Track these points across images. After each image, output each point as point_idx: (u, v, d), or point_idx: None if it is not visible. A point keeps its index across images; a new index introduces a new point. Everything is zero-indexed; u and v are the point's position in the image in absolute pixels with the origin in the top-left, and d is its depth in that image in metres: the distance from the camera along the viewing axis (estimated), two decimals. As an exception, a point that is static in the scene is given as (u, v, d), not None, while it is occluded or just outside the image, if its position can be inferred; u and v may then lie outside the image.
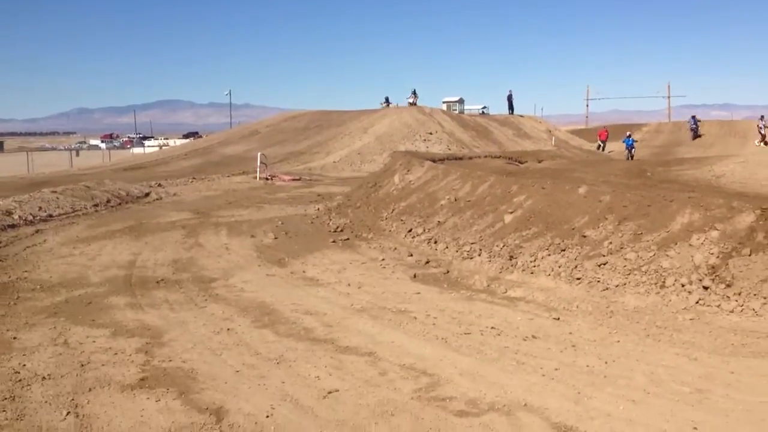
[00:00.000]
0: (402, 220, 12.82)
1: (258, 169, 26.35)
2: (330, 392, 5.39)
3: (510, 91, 52.21)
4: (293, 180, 26.15)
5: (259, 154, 27.21)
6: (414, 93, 48.17)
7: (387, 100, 49.05)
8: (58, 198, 16.41)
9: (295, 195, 21.41)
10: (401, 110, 41.41)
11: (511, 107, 51.80)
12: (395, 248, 11.46)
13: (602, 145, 46.81)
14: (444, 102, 51.83)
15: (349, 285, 9.16)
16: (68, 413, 5.04)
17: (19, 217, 13.79)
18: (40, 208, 15.02)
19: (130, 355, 6.41)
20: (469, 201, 11.71)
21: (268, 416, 4.96)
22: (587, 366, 5.87)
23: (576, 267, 8.56)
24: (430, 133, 37.27)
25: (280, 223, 14.51)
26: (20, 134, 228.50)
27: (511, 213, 10.52)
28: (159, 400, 5.28)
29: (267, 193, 22.00)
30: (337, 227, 13.51)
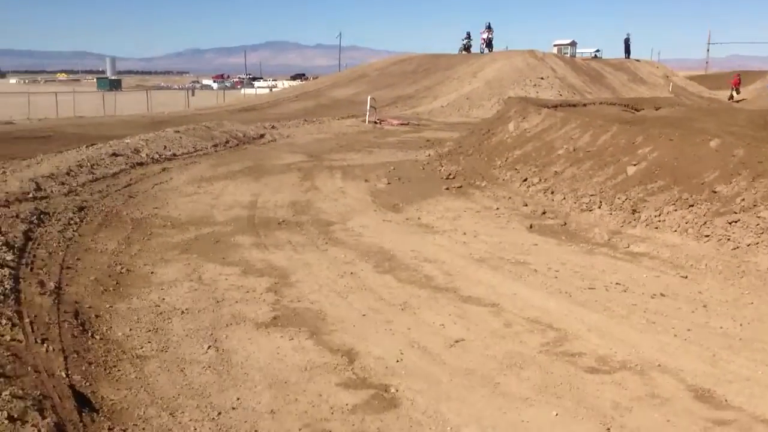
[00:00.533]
0: (516, 169, 12.64)
1: (367, 113, 26.45)
2: (456, 341, 5.46)
3: (628, 34, 50.10)
4: (401, 124, 26.16)
5: (368, 97, 27.27)
6: (488, 27, 45.83)
7: (468, 35, 46.89)
8: (181, 137, 17.09)
9: (404, 140, 21.43)
10: (512, 54, 40.39)
11: (627, 51, 49.65)
12: (509, 197, 11.34)
13: (735, 91, 44.07)
14: (555, 45, 50.09)
15: (465, 234, 9.16)
16: (209, 347, 5.33)
17: (147, 155, 14.47)
18: (165, 147, 15.69)
19: (261, 294, 6.68)
20: (588, 151, 11.39)
21: (397, 361, 5.09)
22: (721, 328, 5.70)
23: (705, 224, 8.22)
24: (542, 78, 36.27)
25: (392, 168, 14.60)
26: (137, 72, 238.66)
27: (635, 165, 10.17)
28: (292, 339, 5.51)
29: (376, 138, 22.12)
30: (450, 174, 13.47)
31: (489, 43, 45.65)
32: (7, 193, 9.02)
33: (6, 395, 3.72)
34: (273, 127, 23.71)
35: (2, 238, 6.90)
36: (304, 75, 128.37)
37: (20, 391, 3.86)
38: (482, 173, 13.20)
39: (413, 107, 33.00)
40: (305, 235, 9.08)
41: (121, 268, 7.31)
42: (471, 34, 46.99)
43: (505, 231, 9.39)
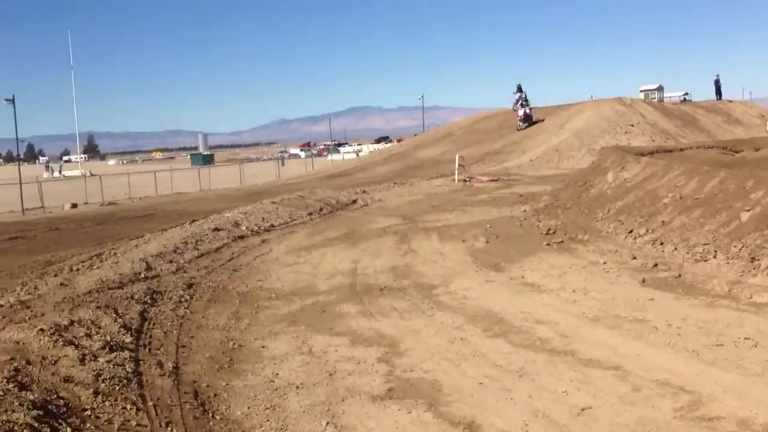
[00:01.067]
0: (620, 221, 12.23)
1: (456, 171, 26.45)
2: (583, 409, 5.19)
3: (717, 75, 48.82)
4: (491, 180, 25.99)
5: (456, 156, 27.31)
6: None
7: (519, 89, 39.99)
8: (277, 208, 17.48)
9: (496, 196, 21.22)
10: (600, 103, 39.77)
11: (718, 92, 48.22)
12: (616, 251, 10.93)
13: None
14: (641, 91, 49.14)
15: (574, 291, 8.84)
16: (327, 423, 5.26)
17: (246, 227, 14.83)
18: (263, 218, 16.06)
19: (372, 364, 6.59)
20: (696, 198, 10.91)
21: (523, 433, 4.87)
22: None
23: (837, 270, 7.66)
24: (632, 125, 35.49)
25: (488, 226, 14.40)
26: (227, 146, 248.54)
27: (749, 210, 9.64)
28: (410, 412, 5.37)
29: (468, 195, 22.01)
30: (549, 229, 13.16)
31: (527, 118, 39.13)
32: (120, 274, 9.36)
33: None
34: (364, 192, 23.98)
35: (120, 320, 7.10)
36: (387, 137, 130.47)
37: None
38: (583, 227, 12.84)
39: (501, 162, 32.83)
40: (409, 301, 8.99)
41: (233, 344, 7.39)
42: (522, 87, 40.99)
43: (616, 286, 9.01)
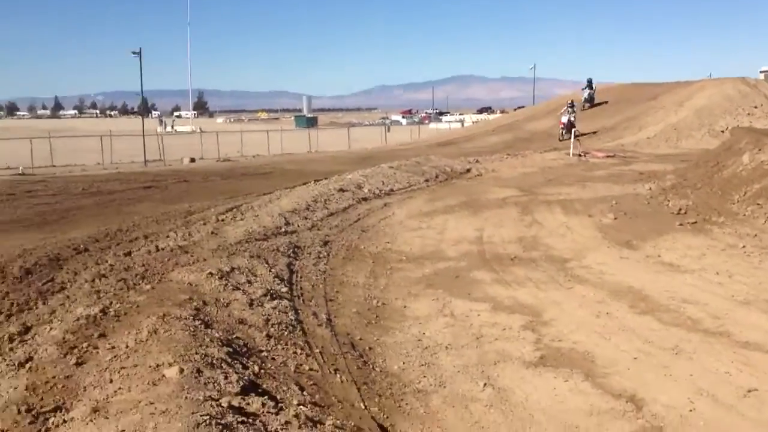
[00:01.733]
0: (759, 204, 11.71)
1: (571, 146, 25.89)
2: (749, 390, 5.08)
3: None
4: (607, 157, 25.30)
5: (572, 130, 26.71)
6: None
7: (590, 84, 40.00)
8: (395, 173, 17.65)
9: (614, 173, 20.67)
10: (722, 82, 37.85)
11: None
12: (755, 235, 10.50)
13: None
14: (762, 71, 46.45)
15: (717, 273, 8.58)
16: (485, 385, 5.35)
17: (369, 190, 15.07)
18: (383, 182, 16.26)
19: (518, 332, 6.64)
20: None
21: (690, 410, 4.81)
22: None
23: None
24: (755, 107, 33.63)
25: (614, 202, 14.08)
26: (329, 110, 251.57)
27: None
28: (567, 381, 5.40)
29: (584, 171, 21.53)
30: (680, 209, 12.75)
31: (570, 126, 31.97)
32: (264, 227, 9.74)
33: (329, 425, 3.92)
34: (477, 162, 23.84)
35: (273, 270, 7.40)
36: (490, 108, 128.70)
37: (338, 422, 4.05)
38: (717, 208, 12.37)
39: (616, 139, 31.84)
40: (544, 272, 8.95)
41: (377, 302, 7.59)
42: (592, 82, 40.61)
43: (760, 271, 8.68)
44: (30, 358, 4.46)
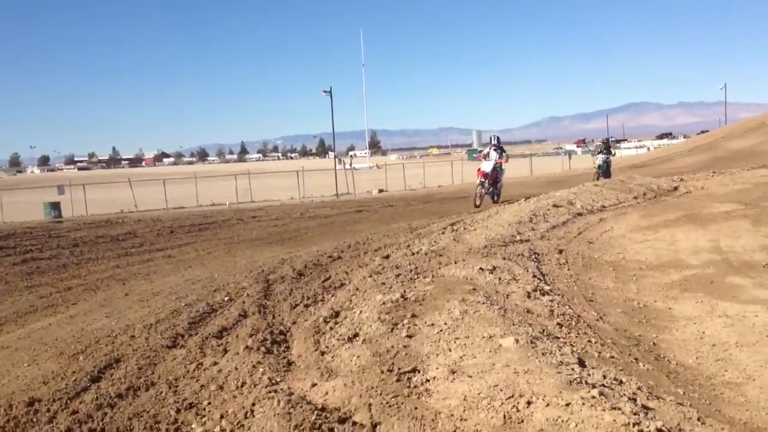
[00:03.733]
0: None
1: (786, 161, 24.04)
2: None
3: None
4: (830, 170, 23.19)
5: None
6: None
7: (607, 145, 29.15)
8: (601, 191, 17.20)
9: None
10: None
11: None
12: None
13: None
14: None
15: None
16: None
17: (581, 206, 14.77)
18: (593, 199, 15.88)
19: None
20: None
21: None
22: None
23: None
24: None
25: None
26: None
27: None
28: None
29: (808, 186, 19.85)
30: None
31: None
32: (501, 235, 9.81)
33: (669, 400, 3.80)
34: (681, 180, 22.73)
35: (529, 271, 7.39)
36: (671, 134, 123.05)
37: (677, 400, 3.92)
38: None
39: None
40: (814, 278, 8.28)
41: (637, 303, 7.35)
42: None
43: None
44: (356, 334, 4.74)
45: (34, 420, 4.29)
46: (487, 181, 19.35)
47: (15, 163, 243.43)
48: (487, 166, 19.51)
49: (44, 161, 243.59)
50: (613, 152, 28.67)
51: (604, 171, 27.23)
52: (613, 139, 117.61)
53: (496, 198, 19.79)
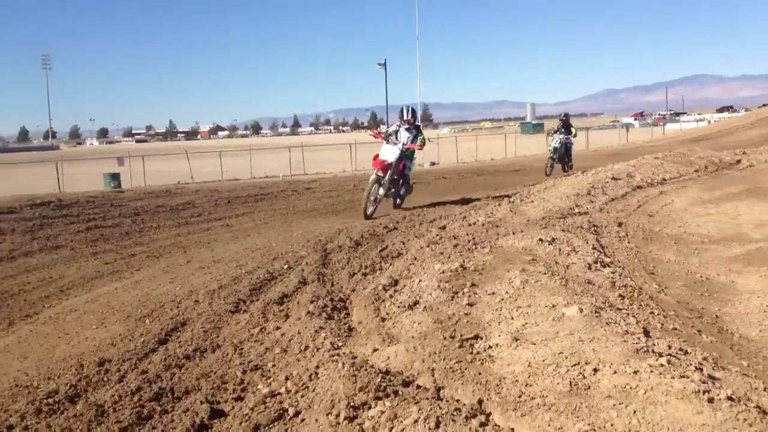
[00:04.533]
0: None
1: None
2: None
3: None
4: None
5: None
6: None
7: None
8: (662, 164, 16.86)
9: None
10: None
11: None
12: None
13: None
14: None
15: None
16: None
17: (641, 179, 14.51)
18: (653, 172, 15.58)
19: None
20: None
21: None
22: None
23: None
24: None
25: None
26: (553, 116, 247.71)
27: None
28: None
29: None
30: None
31: None
32: (559, 207, 9.75)
33: (734, 371, 3.74)
34: (744, 153, 22.11)
35: (588, 243, 7.32)
36: (731, 107, 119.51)
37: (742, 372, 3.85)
38: None
39: None
40: None
41: (700, 276, 7.22)
42: None
43: None
44: (416, 302, 4.78)
45: (105, 379, 4.43)
46: (386, 178, 12.09)
47: (75, 135, 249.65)
48: (389, 153, 12.24)
49: (103, 134, 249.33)
50: (574, 132, 22.19)
51: (560, 156, 21.46)
52: (671, 112, 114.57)
53: (398, 201, 12.97)
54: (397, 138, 12.61)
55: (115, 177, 24.32)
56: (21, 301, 7.14)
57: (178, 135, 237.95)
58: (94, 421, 3.67)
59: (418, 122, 13.60)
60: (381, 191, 12.07)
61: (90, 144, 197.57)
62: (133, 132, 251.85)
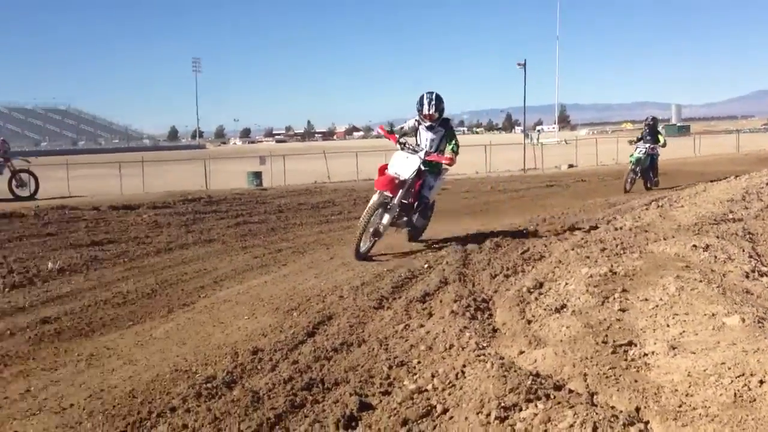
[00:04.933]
0: None
1: None
2: None
3: None
4: None
5: None
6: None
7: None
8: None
9: None
10: None
11: None
12: None
13: None
14: None
15: None
16: None
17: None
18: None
19: None
20: None
21: None
22: None
23: None
24: None
25: None
26: (699, 119, 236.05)
27: None
28: None
29: None
30: None
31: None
32: (712, 213, 9.30)
33: None
34: None
35: (745, 251, 6.92)
36: None
37: None
38: None
39: None
40: None
41: None
42: None
43: None
44: (564, 305, 4.72)
45: (259, 367, 4.64)
46: (394, 200, 8.47)
47: (220, 135, 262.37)
48: (402, 166, 8.49)
49: (246, 133, 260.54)
50: (662, 141, 18.36)
51: (644, 169, 17.74)
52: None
53: (414, 234, 9.56)
54: (417, 142, 8.91)
55: (257, 175, 25.43)
56: (179, 290, 7.61)
57: (315, 135, 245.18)
58: (251, 407, 3.85)
59: (447, 116, 9.16)
60: (385, 219, 8.47)
61: (233, 143, 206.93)
62: (273, 132, 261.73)
